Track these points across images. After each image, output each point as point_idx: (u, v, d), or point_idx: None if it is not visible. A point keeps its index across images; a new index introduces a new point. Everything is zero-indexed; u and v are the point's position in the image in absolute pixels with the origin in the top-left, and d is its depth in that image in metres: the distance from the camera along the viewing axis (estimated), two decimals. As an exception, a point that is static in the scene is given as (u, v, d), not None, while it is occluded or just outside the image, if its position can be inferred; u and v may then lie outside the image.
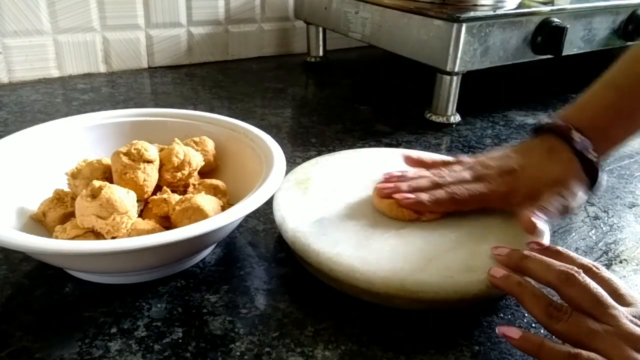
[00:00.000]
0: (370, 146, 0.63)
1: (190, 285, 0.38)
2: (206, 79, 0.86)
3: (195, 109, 0.67)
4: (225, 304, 0.37)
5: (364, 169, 0.49)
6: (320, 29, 0.94)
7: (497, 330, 0.33)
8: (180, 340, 0.33)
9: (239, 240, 0.44)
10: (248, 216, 0.46)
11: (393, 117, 0.73)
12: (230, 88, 0.82)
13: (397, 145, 0.64)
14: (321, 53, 0.96)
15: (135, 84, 0.81)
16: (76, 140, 0.47)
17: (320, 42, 0.95)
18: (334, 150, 0.58)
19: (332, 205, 0.43)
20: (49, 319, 0.35)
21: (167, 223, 0.40)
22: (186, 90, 0.80)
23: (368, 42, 0.77)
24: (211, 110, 0.64)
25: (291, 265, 0.41)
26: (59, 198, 0.41)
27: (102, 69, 0.85)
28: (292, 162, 0.57)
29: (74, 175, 0.41)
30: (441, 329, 0.36)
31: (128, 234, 0.37)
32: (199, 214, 0.38)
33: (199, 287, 0.38)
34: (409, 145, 0.63)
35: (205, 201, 0.39)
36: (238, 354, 0.33)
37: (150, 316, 0.35)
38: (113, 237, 0.36)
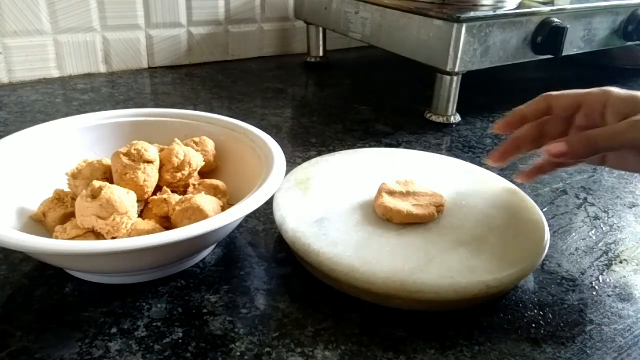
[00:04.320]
0: (370, 146, 0.63)
1: (190, 285, 0.38)
2: (206, 79, 0.86)
3: (195, 109, 0.68)
4: (225, 304, 0.37)
5: (364, 168, 0.49)
6: (320, 29, 0.94)
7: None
8: (180, 340, 0.33)
9: (239, 240, 0.44)
10: (248, 216, 0.46)
11: (393, 117, 0.73)
12: (230, 88, 0.82)
13: (397, 145, 0.64)
14: (321, 53, 0.96)
15: (135, 84, 0.81)
16: (76, 140, 0.47)
17: (320, 42, 0.95)
18: (334, 150, 0.58)
19: (333, 205, 0.43)
20: (49, 319, 0.35)
21: (167, 223, 0.40)
22: (186, 90, 0.80)
23: (368, 42, 0.77)
24: (211, 110, 0.64)
25: (291, 265, 0.41)
26: (59, 198, 0.41)
27: (102, 69, 0.85)
28: (292, 162, 0.57)
29: (74, 176, 0.41)
30: (441, 329, 0.36)
31: (128, 234, 0.37)
32: (199, 214, 0.38)
33: (199, 287, 0.38)
34: (409, 145, 0.64)
35: (205, 201, 0.39)
36: (238, 354, 0.33)
37: (150, 316, 0.35)
38: (113, 237, 0.36)
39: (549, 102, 0.41)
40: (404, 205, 0.41)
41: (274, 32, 1.00)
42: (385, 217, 0.41)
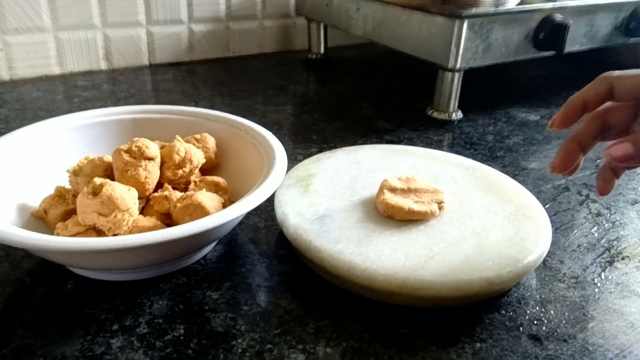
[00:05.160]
0: (371, 143, 0.63)
1: (192, 282, 0.38)
2: (207, 75, 0.86)
3: (196, 105, 0.68)
4: (227, 300, 0.37)
5: (365, 165, 0.49)
6: (322, 26, 0.94)
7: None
8: (181, 337, 0.33)
9: (241, 237, 0.44)
10: (249, 213, 0.46)
11: (394, 114, 0.73)
12: (232, 85, 0.82)
13: (399, 142, 0.64)
14: (322, 50, 0.96)
15: (136, 81, 0.81)
16: (77, 137, 0.47)
17: (322, 39, 0.95)
18: (335, 147, 0.58)
19: (334, 202, 0.43)
20: (50, 316, 0.35)
21: (168, 220, 0.40)
22: (187, 87, 0.80)
23: (369, 39, 0.77)
24: (212, 107, 0.64)
25: (293, 262, 0.41)
26: (60, 195, 0.41)
27: (103, 66, 0.85)
28: (293, 159, 0.57)
29: (75, 173, 0.41)
30: (443, 326, 0.36)
31: (130, 231, 0.37)
32: (200, 211, 0.38)
33: (201, 284, 0.38)
34: (410, 142, 0.63)
35: (207, 198, 0.39)
36: (240, 350, 0.33)
37: (151, 313, 0.35)
38: (114, 235, 0.36)
39: (610, 84, 0.35)
40: (406, 202, 0.41)
41: (275, 29, 0.99)
42: (386, 214, 0.41)
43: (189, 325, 0.34)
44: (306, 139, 0.63)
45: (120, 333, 0.34)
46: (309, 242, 0.38)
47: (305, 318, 0.35)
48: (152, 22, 0.86)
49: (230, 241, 0.43)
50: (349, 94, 0.75)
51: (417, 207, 0.40)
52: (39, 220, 0.41)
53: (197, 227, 0.33)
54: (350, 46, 1.07)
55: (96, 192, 0.36)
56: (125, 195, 0.37)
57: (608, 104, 0.36)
